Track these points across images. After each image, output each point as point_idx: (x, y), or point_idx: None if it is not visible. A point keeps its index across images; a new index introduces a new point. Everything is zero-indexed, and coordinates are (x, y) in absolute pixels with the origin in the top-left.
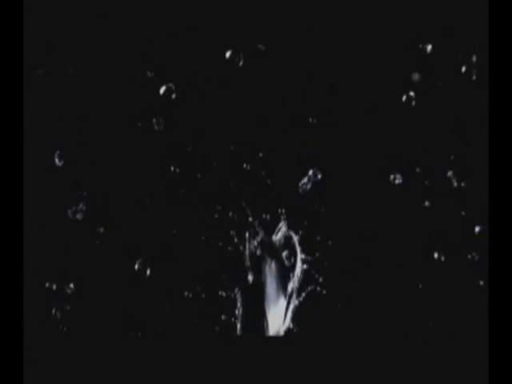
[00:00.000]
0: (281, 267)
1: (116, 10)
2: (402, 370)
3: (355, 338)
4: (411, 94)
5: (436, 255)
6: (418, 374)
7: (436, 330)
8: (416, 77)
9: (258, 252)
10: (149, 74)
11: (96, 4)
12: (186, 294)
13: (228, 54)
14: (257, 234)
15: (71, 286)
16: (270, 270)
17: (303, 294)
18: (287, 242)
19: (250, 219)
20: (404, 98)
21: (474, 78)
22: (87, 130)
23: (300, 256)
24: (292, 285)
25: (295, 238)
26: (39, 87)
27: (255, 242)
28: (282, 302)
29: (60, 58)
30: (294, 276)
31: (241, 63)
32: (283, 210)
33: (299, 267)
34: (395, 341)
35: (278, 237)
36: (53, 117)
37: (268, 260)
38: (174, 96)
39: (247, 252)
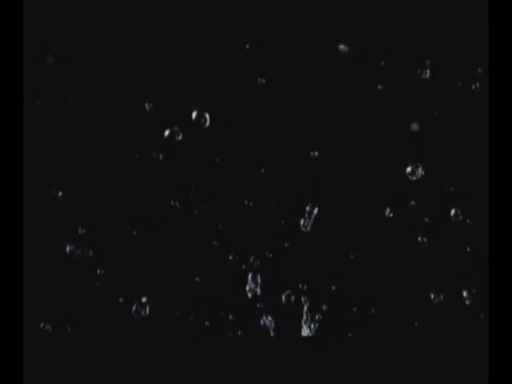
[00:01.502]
0: None
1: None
2: None
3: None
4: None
5: (435, 294)
6: None
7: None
8: (415, 127)
9: None
10: (147, 106)
11: (94, 37)
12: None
13: (194, 115)
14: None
15: (68, 326)
16: None
17: None
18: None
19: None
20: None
21: (475, 107)
22: (86, 167)
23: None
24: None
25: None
26: (39, 120)
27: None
28: None
29: (59, 89)
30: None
31: (207, 124)
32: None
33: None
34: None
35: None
36: (53, 151)
37: None
38: (179, 137)
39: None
